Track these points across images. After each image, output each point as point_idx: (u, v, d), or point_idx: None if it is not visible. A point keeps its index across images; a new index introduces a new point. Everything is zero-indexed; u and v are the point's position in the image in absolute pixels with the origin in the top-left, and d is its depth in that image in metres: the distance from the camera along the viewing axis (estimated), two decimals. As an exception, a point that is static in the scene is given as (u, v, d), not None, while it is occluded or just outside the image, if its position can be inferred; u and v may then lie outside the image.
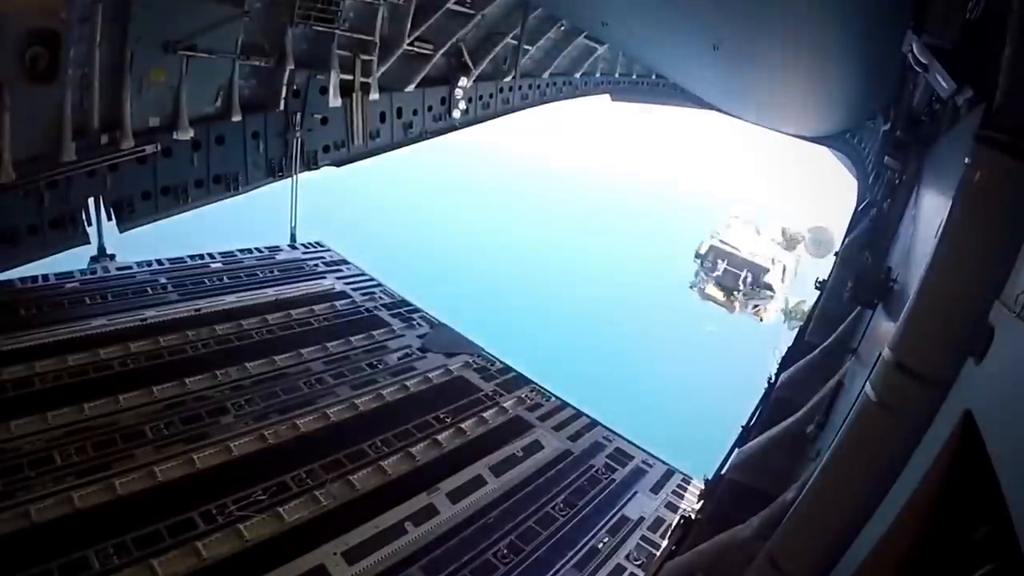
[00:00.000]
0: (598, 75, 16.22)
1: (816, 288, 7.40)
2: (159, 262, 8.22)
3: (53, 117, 6.19)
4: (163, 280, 7.74)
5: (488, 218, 60.44)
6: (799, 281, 17.26)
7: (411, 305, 8.37)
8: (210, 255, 8.67)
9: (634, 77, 17.13)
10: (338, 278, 8.90)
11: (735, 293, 16.39)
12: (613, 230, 63.39)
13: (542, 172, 71.73)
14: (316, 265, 9.28)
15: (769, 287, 16.25)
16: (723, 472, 4.23)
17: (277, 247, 9.67)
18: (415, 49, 10.41)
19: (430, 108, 11.69)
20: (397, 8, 9.66)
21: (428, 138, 11.87)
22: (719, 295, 16.73)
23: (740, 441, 4.67)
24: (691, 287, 17.82)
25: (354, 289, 8.56)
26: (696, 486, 5.43)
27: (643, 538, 4.75)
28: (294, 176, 9.60)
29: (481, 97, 12.88)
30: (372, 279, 9.13)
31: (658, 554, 4.31)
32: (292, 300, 7.82)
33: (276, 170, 9.24)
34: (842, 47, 5.66)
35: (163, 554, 3.74)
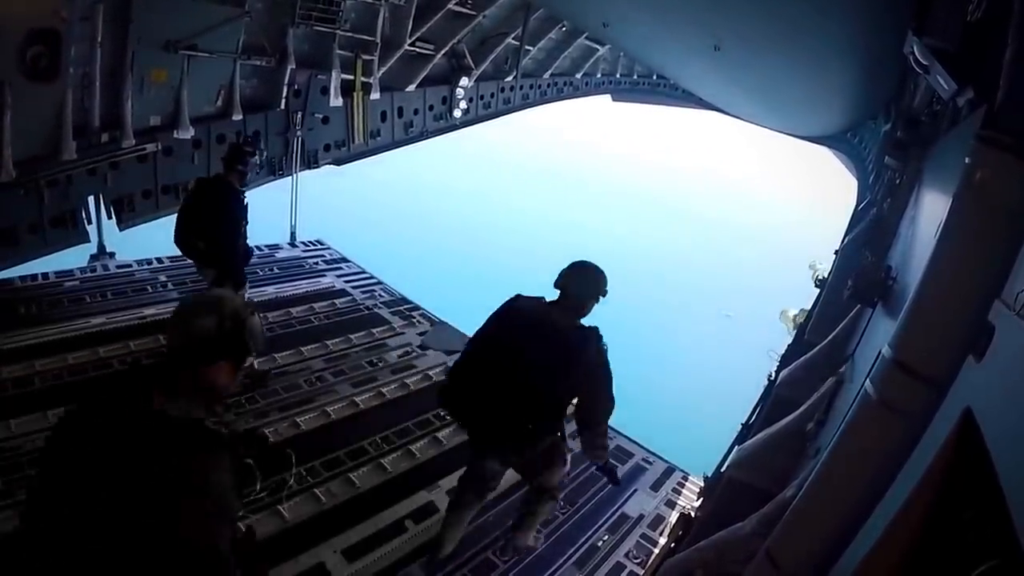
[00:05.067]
0: (599, 75, 16.27)
1: (816, 286, 7.44)
2: (159, 260, 8.22)
3: (54, 116, 6.20)
4: (163, 278, 7.73)
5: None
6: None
7: (411, 303, 8.36)
8: (210, 254, 8.67)
9: (635, 77, 17.19)
10: (338, 276, 8.89)
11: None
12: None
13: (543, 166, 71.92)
14: (316, 263, 9.27)
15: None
16: (723, 470, 4.24)
17: (277, 245, 9.67)
18: (416, 49, 10.43)
19: (431, 107, 11.71)
20: (398, 9, 9.68)
21: (429, 137, 11.91)
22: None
23: (740, 439, 4.69)
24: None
25: (354, 287, 8.55)
26: (696, 483, 5.44)
27: (643, 536, 4.74)
28: (294, 175, 9.62)
29: (482, 97, 12.92)
30: (372, 277, 9.11)
31: (657, 551, 4.32)
32: (292, 298, 7.82)
33: (276, 169, 9.27)
34: (843, 49, 5.67)
35: (164, 551, 3.74)
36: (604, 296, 3.25)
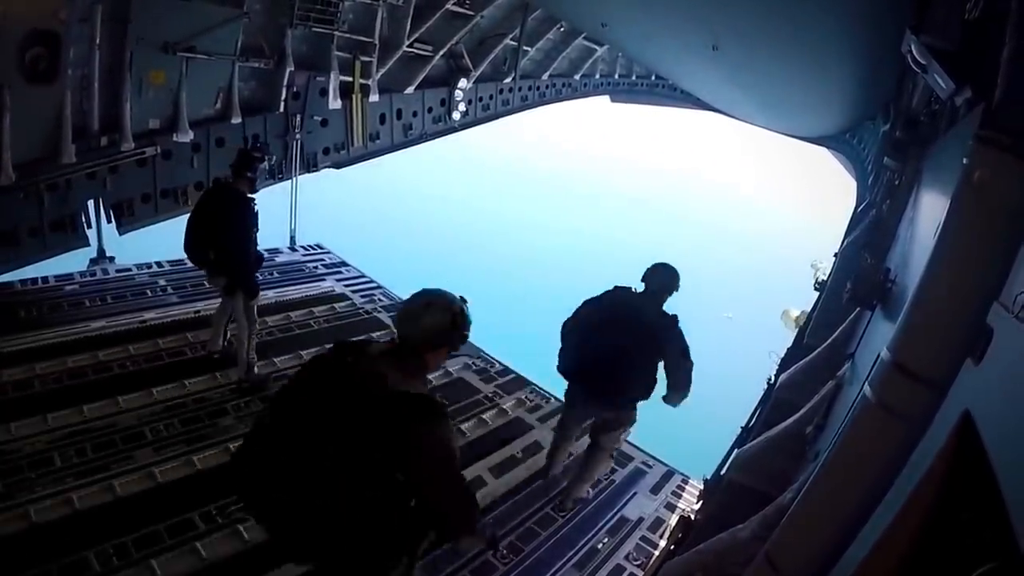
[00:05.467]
0: (597, 76, 16.27)
1: (815, 289, 7.43)
2: (159, 264, 8.21)
3: (53, 118, 6.19)
4: (162, 282, 7.72)
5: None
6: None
7: (411, 306, 8.33)
8: (210, 257, 8.65)
9: (633, 78, 17.19)
10: (338, 280, 8.87)
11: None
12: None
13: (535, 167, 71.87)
14: (316, 267, 9.26)
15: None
16: (723, 473, 4.24)
17: (277, 249, 9.65)
18: (415, 51, 10.43)
19: (430, 110, 11.71)
20: (396, 10, 9.68)
21: (428, 139, 11.90)
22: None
23: (740, 442, 4.68)
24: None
25: (354, 291, 8.53)
26: (696, 486, 5.43)
27: (642, 538, 4.72)
28: (294, 178, 9.61)
29: (481, 99, 12.91)
30: (372, 281, 9.10)
31: (657, 554, 4.31)
32: (292, 302, 7.81)
33: (276, 172, 9.26)
34: (841, 49, 5.67)
35: (163, 554, 3.73)
36: (677, 290, 4.14)
